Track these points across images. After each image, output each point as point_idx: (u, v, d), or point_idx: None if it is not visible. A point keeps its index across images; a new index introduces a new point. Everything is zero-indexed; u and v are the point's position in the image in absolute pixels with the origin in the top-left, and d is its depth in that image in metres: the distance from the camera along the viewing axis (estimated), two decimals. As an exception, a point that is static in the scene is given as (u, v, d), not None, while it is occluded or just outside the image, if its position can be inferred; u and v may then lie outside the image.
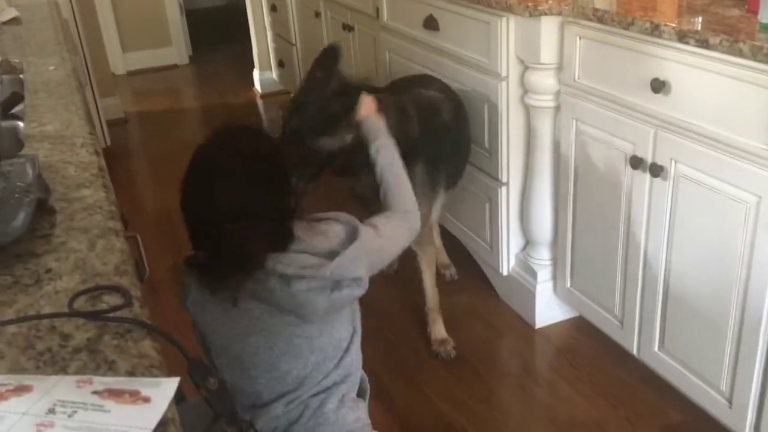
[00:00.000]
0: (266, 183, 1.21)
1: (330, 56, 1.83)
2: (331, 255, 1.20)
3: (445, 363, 2.17)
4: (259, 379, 1.24)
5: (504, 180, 2.23)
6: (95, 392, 0.61)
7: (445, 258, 2.60)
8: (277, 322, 1.21)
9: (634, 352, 1.95)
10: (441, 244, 2.60)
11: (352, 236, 1.25)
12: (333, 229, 1.26)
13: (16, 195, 0.97)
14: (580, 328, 2.25)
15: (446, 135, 2.15)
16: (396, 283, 2.51)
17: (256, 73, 4.79)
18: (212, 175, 1.19)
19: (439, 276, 2.44)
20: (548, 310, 2.29)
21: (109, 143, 3.93)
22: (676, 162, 1.66)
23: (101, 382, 0.63)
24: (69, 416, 0.59)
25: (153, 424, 0.57)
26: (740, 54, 1.43)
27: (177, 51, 5.63)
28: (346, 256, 1.20)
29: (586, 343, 2.21)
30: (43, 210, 0.99)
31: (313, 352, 1.23)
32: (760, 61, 1.40)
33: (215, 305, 1.23)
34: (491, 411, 2.00)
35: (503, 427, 1.94)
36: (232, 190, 1.18)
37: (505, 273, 2.37)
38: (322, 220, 1.28)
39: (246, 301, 1.20)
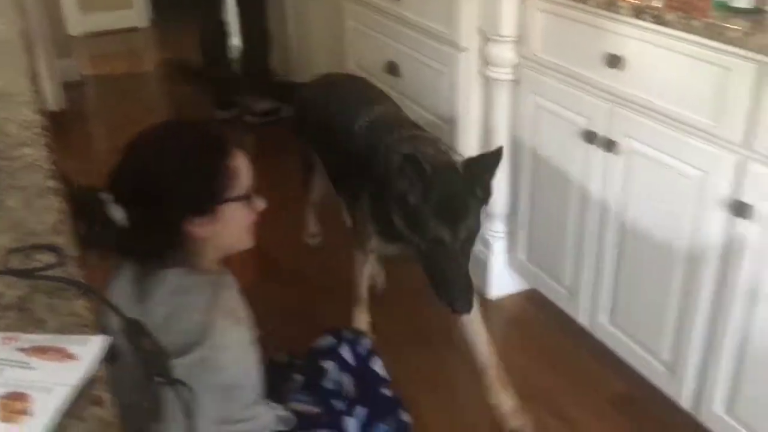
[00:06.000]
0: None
1: None
2: None
3: (396, 335, 2.17)
4: None
5: (461, 152, 2.23)
6: (21, 349, 0.60)
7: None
8: None
9: (585, 323, 1.98)
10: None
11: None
12: None
13: (-48, 151, 0.94)
14: (534, 301, 2.28)
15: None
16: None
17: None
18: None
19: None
20: (502, 281, 2.31)
21: (64, 106, 3.83)
22: (629, 137, 1.68)
23: (28, 339, 0.62)
24: (-8, 373, 0.58)
25: (77, 381, 0.56)
26: (694, 31, 1.44)
27: (137, 13, 5.49)
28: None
29: (539, 315, 2.24)
30: (-19, 167, 0.96)
31: None
32: (712, 38, 1.42)
33: None
34: (443, 379, 2.02)
35: (452, 396, 1.97)
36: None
37: (461, 245, 2.38)
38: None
39: None
